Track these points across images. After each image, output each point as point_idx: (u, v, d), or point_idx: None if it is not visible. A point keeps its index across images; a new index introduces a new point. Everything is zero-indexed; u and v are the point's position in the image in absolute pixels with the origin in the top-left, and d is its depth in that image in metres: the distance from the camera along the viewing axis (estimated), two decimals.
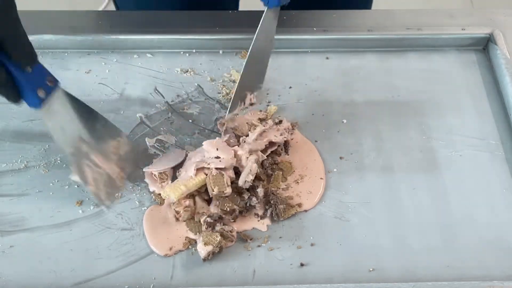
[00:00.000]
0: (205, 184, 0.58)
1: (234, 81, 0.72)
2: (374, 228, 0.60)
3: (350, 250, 0.58)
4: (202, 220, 0.58)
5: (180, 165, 0.62)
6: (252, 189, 0.60)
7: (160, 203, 0.61)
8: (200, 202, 0.59)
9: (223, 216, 0.58)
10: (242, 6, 0.97)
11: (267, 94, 0.71)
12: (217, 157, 0.59)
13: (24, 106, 0.68)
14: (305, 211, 0.61)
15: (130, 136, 0.67)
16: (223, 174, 0.58)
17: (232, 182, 0.59)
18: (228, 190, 0.57)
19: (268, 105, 0.69)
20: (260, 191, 0.60)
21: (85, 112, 0.58)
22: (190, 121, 0.68)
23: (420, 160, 0.65)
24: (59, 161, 0.64)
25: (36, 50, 0.73)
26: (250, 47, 0.65)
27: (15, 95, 0.51)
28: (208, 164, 0.58)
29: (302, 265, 0.57)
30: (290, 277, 0.56)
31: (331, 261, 0.57)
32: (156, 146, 0.66)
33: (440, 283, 0.54)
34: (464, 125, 0.68)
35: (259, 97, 0.70)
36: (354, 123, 0.68)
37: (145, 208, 0.61)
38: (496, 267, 0.57)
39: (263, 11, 0.64)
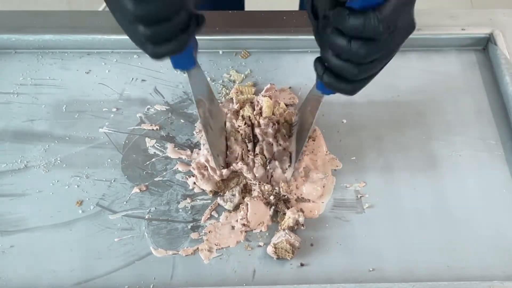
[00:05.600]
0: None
1: (234, 81, 0.72)
2: (374, 228, 0.60)
3: (350, 250, 0.58)
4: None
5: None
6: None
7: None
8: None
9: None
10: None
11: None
12: None
13: (23, 107, 0.69)
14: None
15: (130, 136, 0.67)
16: None
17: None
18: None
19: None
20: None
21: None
22: (190, 121, 0.68)
23: (420, 160, 0.65)
24: (59, 161, 0.64)
25: (36, 50, 0.74)
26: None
27: (184, 44, 0.48)
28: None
29: (302, 265, 0.57)
30: (290, 277, 0.56)
31: (331, 261, 0.57)
32: (156, 146, 0.66)
33: (440, 283, 0.54)
34: (464, 125, 0.68)
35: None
36: (354, 123, 0.68)
37: (145, 208, 0.61)
38: (496, 267, 0.57)
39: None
